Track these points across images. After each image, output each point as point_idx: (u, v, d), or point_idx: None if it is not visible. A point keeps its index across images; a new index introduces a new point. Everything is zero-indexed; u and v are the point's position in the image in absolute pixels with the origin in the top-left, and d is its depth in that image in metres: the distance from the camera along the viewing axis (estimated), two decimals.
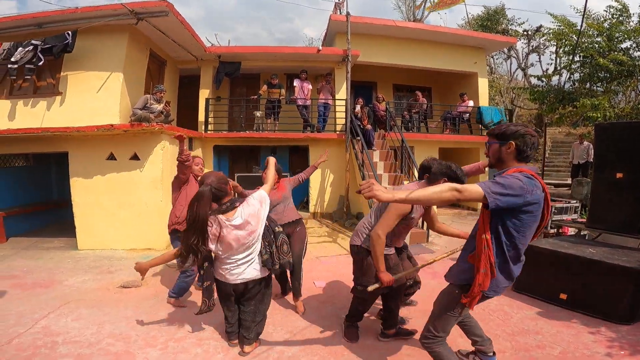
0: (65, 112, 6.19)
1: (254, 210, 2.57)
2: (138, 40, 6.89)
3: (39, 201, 7.61)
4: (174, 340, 2.91)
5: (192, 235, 2.38)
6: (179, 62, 9.01)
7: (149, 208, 5.81)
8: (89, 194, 5.85)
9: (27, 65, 5.90)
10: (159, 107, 6.21)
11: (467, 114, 9.82)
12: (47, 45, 5.89)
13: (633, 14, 9.32)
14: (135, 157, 5.82)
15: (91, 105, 6.19)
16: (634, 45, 9.45)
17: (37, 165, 7.81)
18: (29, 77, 6.02)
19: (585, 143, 9.46)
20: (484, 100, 10.55)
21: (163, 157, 5.84)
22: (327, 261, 5.21)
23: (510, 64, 20.24)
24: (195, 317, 3.29)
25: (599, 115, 8.96)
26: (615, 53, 9.02)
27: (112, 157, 5.85)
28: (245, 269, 2.60)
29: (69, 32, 5.91)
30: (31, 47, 5.90)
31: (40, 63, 5.92)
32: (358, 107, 8.65)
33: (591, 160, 9.27)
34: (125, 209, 5.84)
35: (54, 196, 8.09)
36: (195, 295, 3.84)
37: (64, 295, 3.86)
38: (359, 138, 7.92)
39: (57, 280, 4.37)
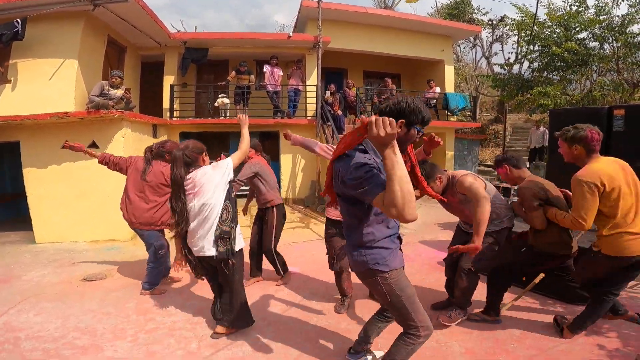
0: (16, 100, 5.83)
1: (209, 178, 2.51)
2: (95, 27, 6.58)
3: None
4: (144, 332, 2.85)
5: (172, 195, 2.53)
6: (140, 48, 8.63)
7: (110, 198, 5.57)
8: (44, 184, 5.53)
9: None
10: (118, 93, 5.92)
11: (434, 100, 10.08)
12: None
13: (591, 6, 9.82)
14: (93, 145, 5.55)
15: (44, 93, 5.87)
16: (590, 35, 9.99)
17: None
18: None
19: (542, 129, 10.00)
20: (450, 87, 10.86)
21: (125, 144, 5.60)
22: (300, 247, 5.25)
23: (476, 53, 20.81)
24: (166, 309, 3.25)
25: (549, 102, 9.46)
26: (570, 42, 9.48)
27: None
28: (201, 243, 2.52)
29: (18, 20, 5.53)
30: None
31: None
32: (328, 93, 8.67)
33: (547, 144, 9.86)
34: (84, 200, 5.57)
35: (7, 189, 7.57)
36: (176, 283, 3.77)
37: (24, 291, 3.67)
38: (329, 123, 7.94)
39: (15, 275, 4.14)
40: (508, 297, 3.32)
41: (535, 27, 10.15)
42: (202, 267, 2.66)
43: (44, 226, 5.56)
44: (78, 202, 5.58)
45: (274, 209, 3.66)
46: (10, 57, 5.98)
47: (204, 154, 2.67)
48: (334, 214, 2.97)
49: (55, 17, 5.91)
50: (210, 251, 2.52)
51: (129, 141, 5.70)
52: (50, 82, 5.95)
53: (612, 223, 2.33)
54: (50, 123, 5.38)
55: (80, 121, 5.43)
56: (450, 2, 18.13)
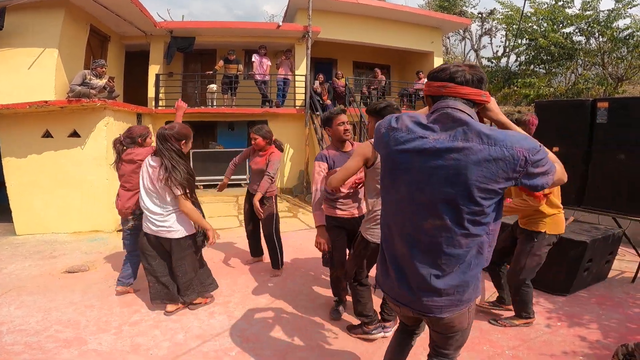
0: None
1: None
2: (76, 16, 6.46)
3: None
4: (128, 324, 2.81)
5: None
6: (125, 37, 8.45)
7: (93, 188, 5.46)
8: (24, 174, 5.36)
9: None
10: (100, 82, 5.77)
11: (423, 91, 10.10)
12: None
13: (574, 0, 9.95)
14: (75, 134, 5.41)
15: (23, 82, 5.75)
16: (576, 30, 10.13)
17: None
18: None
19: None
20: None
21: (107, 133, 5.47)
22: (288, 237, 5.22)
23: (465, 46, 20.89)
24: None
25: (532, 93, 9.60)
26: (555, 34, 9.59)
27: (48, 134, 5.38)
28: (152, 221, 2.73)
29: None
30: None
31: None
32: (317, 83, 8.64)
33: None
34: (66, 190, 5.44)
35: None
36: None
37: (4, 284, 3.57)
38: (318, 113, 7.93)
39: None
40: (493, 288, 3.38)
41: (522, 21, 10.24)
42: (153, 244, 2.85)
43: (25, 217, 5.41)
44: (60, 193, 5.44)
45: (274, 198, 3.78)
46: None
47: (183, 141, 2.74)
48: (331, 211, 2.75)
49: (34, 6, 5.79)
50: (175, 233, 2.74)
51: (112, 130, 5.57)
52: (30, 72, 5.83)
53: None
54: (30, 112, 5.21)
55: (61, 110, 5.27)
56: None
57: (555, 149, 3.96)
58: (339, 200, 2.70)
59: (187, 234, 2.78)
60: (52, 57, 5.91)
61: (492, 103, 1.34)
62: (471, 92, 1.27)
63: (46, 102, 5.01)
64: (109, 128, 5.50)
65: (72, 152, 5.40)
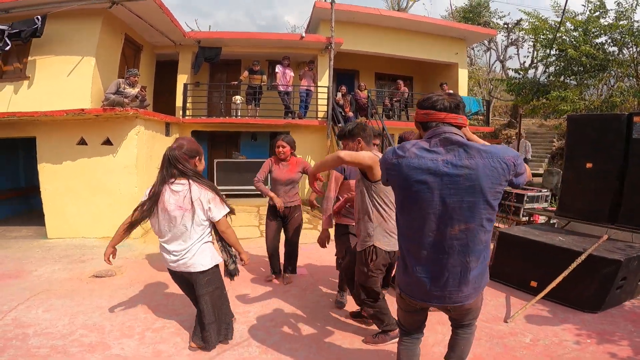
0: (34, 96, 5.98)
1: (201, 196, 2.31)
2: (112, 25, 6.75)
3: (5, 188, 7.23)
4: (151, 330, 2.86)
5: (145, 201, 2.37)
6: (156, 47, 8.80)
7: (122, 195, 5.64)
8: (59, 180, 5.60)
9: None
10: (133, 91, 6.01)
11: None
12: (15, 30, 5.66)
13: (610, 10, 9.63)
14: (107, 142, 5.61)
15: (61, 89, 6.02)
16: (609, 40, 9.78)
17: (3, 152, 7.40)
18: None
19: (523, 140, 9.96)
20: (463, 91, 10.75)
21: (138, 142, 5.64)
22: (307, 248, 5.21)
23: (490, 56, 20.58)
24: (174, 307, 3.25)
25: (568, 107, 9.31)
26: (586, 46, 9.28)
27: (82, 142, 5.61)
28: (185, 257, 2.36)
29: (39, 17, 5.70)
30: None
31: (7, 48, 5.69)
32: (339, 95, 8.67)
33: (529, 157, 10.18)
34: (97, 196, 5.63)
35: (21, 183, 7.72)
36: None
37: (34, 286, 3.71)
38: (340, 125, 7.95)
39: (26, 270, 4.19)
40: (519, 304, 3.26)
41: (553, 32, 10.00)
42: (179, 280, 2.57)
43: (57, 221, 5.62)
44: (91, 199, 5.64)
45: (300, 205, 3.91)
46: (30, 53, 6.14)
47: (197, 158, 2.45)
48: (345, 220, 3.00)
49: (74, 14, 6.06)
50: (192, 267, 2.38)
51: (142, 139, 5.76)
52: (68, 79, 6.09)
53: None
54: (66, 120, 5.45)
55: (96, 118, 5.49)
56: (466, 5, 17.93)
57: (589, 165, 3.82)
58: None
59: (207, 268, 2.40)
60: (90, 65, 6.17)
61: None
62: (448, 116, 1.54)
63: (82, 110, 5.23)
64: (139, 137, 5.68)
65: (104, 159, 5.60)
